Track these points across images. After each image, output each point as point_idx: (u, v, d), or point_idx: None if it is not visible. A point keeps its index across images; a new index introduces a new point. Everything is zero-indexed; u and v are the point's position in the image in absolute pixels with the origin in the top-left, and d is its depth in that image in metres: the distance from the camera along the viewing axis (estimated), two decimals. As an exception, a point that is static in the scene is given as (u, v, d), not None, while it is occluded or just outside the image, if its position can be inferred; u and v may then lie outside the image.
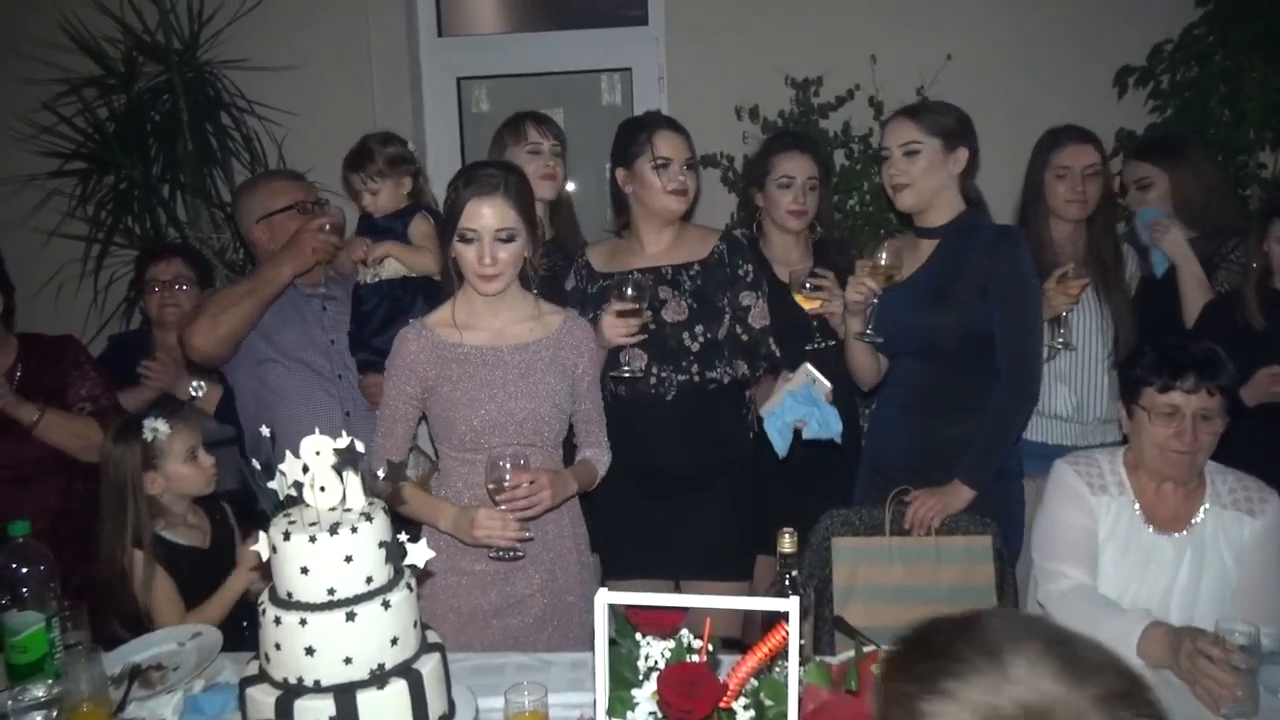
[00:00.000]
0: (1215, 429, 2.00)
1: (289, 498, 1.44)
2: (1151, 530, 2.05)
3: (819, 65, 3.67)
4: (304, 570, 1.38)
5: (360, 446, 1.46)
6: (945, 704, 0.85)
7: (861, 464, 2.58)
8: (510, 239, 2.04)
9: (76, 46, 3.75)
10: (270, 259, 2.58)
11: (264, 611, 1.41)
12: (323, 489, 1.43)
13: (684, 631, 1.47)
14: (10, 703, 1.70)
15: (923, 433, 2.39)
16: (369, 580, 1.40)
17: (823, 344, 2.62)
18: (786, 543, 1.69)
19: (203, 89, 3.79)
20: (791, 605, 1.24)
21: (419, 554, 1.47)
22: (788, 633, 1.26)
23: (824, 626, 2.18)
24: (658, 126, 2.47)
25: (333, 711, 1.35)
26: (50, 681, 1.76)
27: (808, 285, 2.50)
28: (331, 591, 1.38)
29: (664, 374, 2.42)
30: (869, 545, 2.27)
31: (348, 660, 1.37)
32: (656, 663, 1.43)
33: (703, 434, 2.46)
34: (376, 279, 2.58)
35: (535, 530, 2.08)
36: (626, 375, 2.40)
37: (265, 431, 1.54)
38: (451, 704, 1.51)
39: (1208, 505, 2.04)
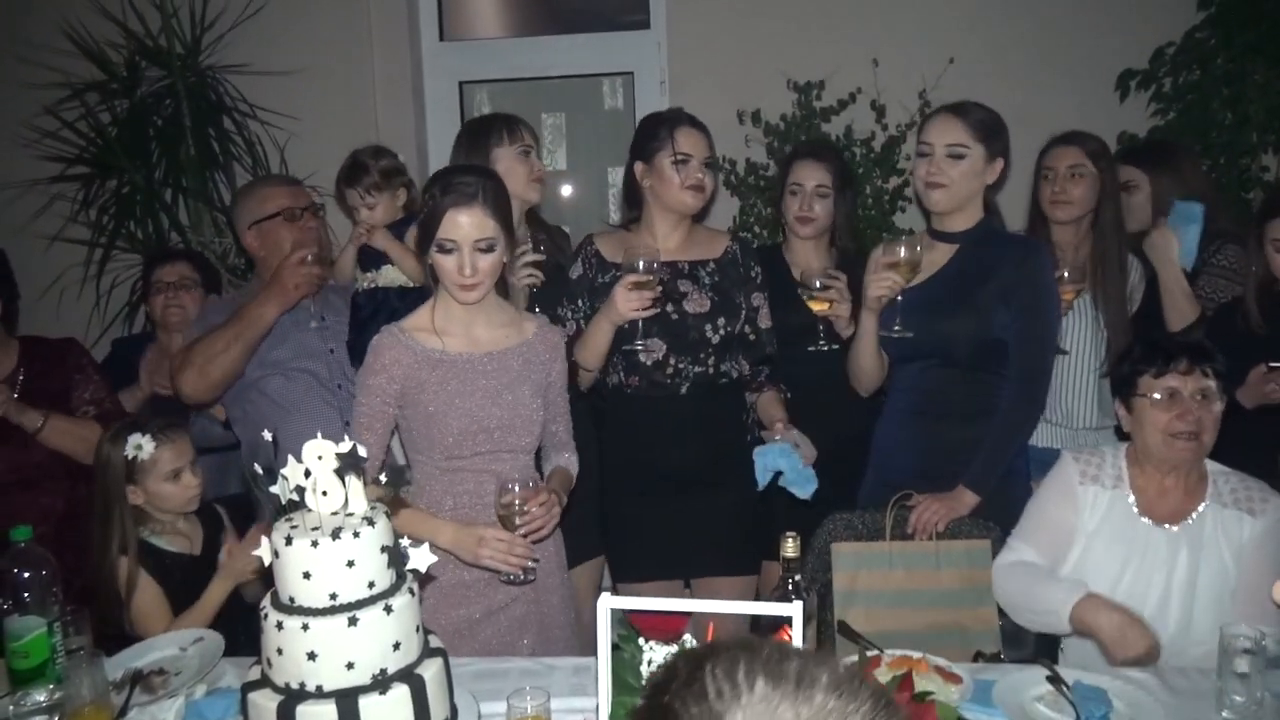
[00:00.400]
0: (1214, 411, 2.02)
1: (291, 502, 1.44)
2: (1147, 522, 2.06)
3: (821, 69, 3.67)
4: (306, 575, 1.37)
5: (363, 451, 1.46)
6: None
7: (868, 473, 2.55)
8: (490, 249, 2.02)
9: (79, 51, 3.75)
10: (254, 298, 2.52)
11: (266, 616, 1.40)
12: (325, 493, 1.42)
13: (687, 636, 1.47)
14: (12, 708, 1.69)
15: (929, 437, 2.39)
16: (371, 585, 1.40)
17: (826, 347, 2.64)
18: (789, 547, 1.69)
19: (205, 93, 3.80)
20: (795, 610, 1.24)
21: (421, 559, 1.46)
22: (791, 637, 1.26)
23: (825, 631, 2.18)
24: (680, 122, 2.49)
25: (335, 717, 1.34)
26: (52, 686, 1.75)
27: (818, 285, 2.51)
28: (333, 596, 1.37)
29: (681, 365, 2.44)
30: (870, 550, 2.28)
31: (350, 665, 1.36)
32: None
33: (713, 430, 2.48)
34: (373, 285, 2.58)
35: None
36: (640, 349, 2.40)
37: (268, 436, 1.54)
38: (454, 709, 1.51)
39: (1208, 502, 2.05)
